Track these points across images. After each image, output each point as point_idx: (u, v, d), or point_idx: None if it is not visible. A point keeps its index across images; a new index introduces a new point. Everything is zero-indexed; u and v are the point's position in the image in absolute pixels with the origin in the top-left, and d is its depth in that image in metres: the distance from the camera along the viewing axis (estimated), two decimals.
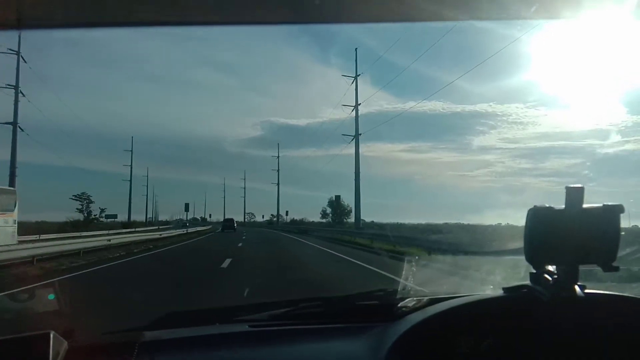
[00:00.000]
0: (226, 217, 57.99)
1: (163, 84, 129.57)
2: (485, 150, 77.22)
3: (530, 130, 73.13)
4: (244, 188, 64.48)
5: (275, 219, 49.38)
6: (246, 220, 73.49)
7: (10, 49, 24.52)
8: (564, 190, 0.91)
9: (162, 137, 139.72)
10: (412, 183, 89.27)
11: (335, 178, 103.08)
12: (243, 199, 66.28)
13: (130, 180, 51.19)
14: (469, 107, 77.66)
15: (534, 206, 0.93)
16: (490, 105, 74.83)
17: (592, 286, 0.97)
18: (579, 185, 0.92)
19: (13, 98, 24.31)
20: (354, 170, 28.73)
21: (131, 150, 52.30)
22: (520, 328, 0.95)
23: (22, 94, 24.89)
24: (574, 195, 0.91)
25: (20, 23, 0.66)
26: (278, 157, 60.67)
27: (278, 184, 59.96)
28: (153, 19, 0.66)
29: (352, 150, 29.16)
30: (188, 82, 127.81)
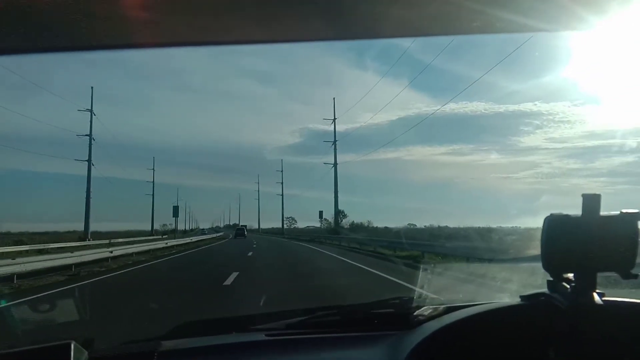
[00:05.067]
0: (238, 226, 63.87)
1: (203, 95, 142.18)
2: (530, 151, 75.93)
3: (578, 129, 70.60)
4: (282, 194, 64.18)
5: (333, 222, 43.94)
6: (286, 226, 72.10)
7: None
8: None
9: (202, 148, 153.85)
10: (453, 186, 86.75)
11: (371, 183, 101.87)
12: (281, 204, 65.52)
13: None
14: (512, 107, 76.45)
15: (551, 214, 0.94)
16: (535, 104, 72.47)
17: (611, 293, 0.96)
18: (596, 193, 0.92)
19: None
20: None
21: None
22: (538, 336, 0.95)
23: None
24: (591, 202, 0.92)
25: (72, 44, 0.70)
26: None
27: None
28: (196, 39, 0.70)
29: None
30: (227, 93, 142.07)
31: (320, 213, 41.96)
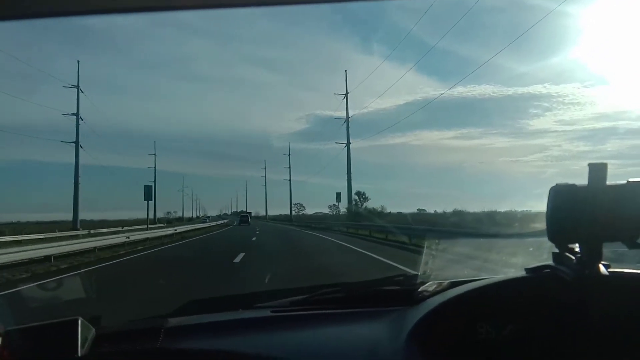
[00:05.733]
0: (242, 213, 73.20)
1: (209, 83, 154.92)
2: (540, 134, 79.90)
3: (589, 110, 74.33)
4: (289, 179, 68.32)
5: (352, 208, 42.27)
6: (294, 212, 76.54)
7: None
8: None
9: (209, 136, 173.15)
10: (462, 171, 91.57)
11: (379, 168, 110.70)
12: (289, 191, 70.06)
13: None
14: (521, 90, 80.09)
15: (556, 184, 1.01)
16: (545, 86, 78.26)
17: (618, 265, 1.04)
18: (603, 162, 0.98)
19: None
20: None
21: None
22: (543, 309, 1.03)
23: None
24: (598, 172, 0.98)
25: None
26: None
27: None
28: (187, 2, 0.77)
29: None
30: (233, 80, 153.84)
31: (338, 195, 40.05)
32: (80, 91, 36.44)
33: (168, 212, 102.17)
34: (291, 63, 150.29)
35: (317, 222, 47.80)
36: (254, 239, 22.86)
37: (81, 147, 36.49)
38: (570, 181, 1.01)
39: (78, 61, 38.77)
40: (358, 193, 53.55)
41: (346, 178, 39.47)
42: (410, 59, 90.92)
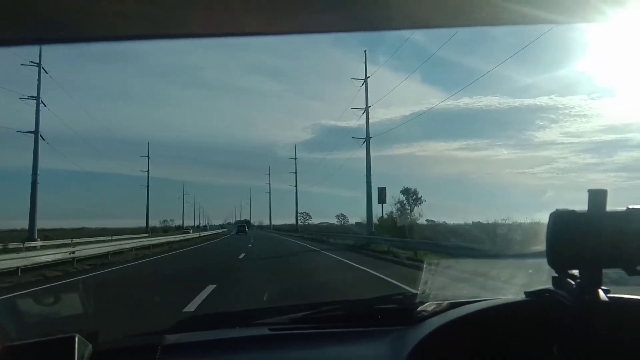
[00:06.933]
0: (239, 222, 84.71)
1: (215, 92, 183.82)
2: (546, 146, 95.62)
3: (595, 122, 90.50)
4: (295, 185, 76.52)
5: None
6: (300, 222, 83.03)
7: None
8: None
9: (214, 145, 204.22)
10: (468, 182, 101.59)
11: (386, 178, 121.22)
12: (294, 198, 77.28)
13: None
14: (527, 101, 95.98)
15: (556, 210, 1.21)
16: (551, 98, 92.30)
17: (617, 290, 1.23)
18: (602, 189, 1.18)
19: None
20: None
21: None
22: (543, 333, 1.22)
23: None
24: (597, 198, 1.18)
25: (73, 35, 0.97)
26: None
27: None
28: (207, 31, 0.92)
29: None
30: (239, 89, 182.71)
31: (381, 192, 30.79)
32: (41, 69, 35.68)
33: (164, 220, 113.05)
34: (297, 73, 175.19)
35: (326, 233, 42.86)
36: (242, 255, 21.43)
37: (42, 137, 35.84)
38: (577, 194, 1.21)
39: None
40: (406, 191, 43.69)
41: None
42: (417, 70, 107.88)
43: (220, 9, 0.92)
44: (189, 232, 60.63)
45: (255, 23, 0.96)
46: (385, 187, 31.60)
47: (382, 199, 31.19)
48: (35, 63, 36.19)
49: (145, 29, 1.00)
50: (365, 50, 41.26)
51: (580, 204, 1.22)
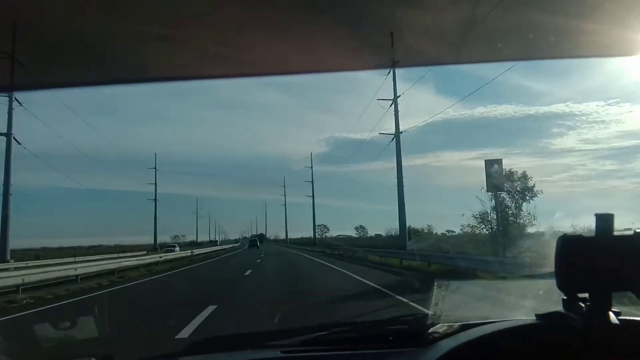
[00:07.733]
0: (252, 237, 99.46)
1: (231, 109, 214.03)
2: (564, 153, 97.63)
3: (613, 128, 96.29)
4: (312, 196, 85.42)
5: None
6: (317, 235, 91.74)
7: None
8: None
9: (231, 160, 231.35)
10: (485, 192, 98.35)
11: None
12: (312, 211, 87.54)
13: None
14: (543, 109, 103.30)
15: (564, 234, 1.38)
16: (567, 105, 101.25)
17: (628, 312, 1.39)
18: (609, 213, 1.35)
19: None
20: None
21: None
22: (554, 356, 1.36)
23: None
24: (604, 223, 1.34)
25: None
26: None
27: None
28: (252, 70, 1.23)
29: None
30: (253, 105, 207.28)
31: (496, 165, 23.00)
32: (15, 61, 35.24)
33: (175, 236, 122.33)
34: (310, 86, 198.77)
35: (351, 246, 39.54)
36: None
37: (15, 140, 34.37)
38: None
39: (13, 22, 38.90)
40: (509, 175, 26.60)
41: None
42: (429, 80, 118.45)
43: (270, 51, 1.14)
44: (173, 250, 52.71)
45: (298, 62, 1.19)
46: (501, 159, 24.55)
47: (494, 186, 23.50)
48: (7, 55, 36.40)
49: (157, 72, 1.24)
50: (391, 33, 40.81)
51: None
